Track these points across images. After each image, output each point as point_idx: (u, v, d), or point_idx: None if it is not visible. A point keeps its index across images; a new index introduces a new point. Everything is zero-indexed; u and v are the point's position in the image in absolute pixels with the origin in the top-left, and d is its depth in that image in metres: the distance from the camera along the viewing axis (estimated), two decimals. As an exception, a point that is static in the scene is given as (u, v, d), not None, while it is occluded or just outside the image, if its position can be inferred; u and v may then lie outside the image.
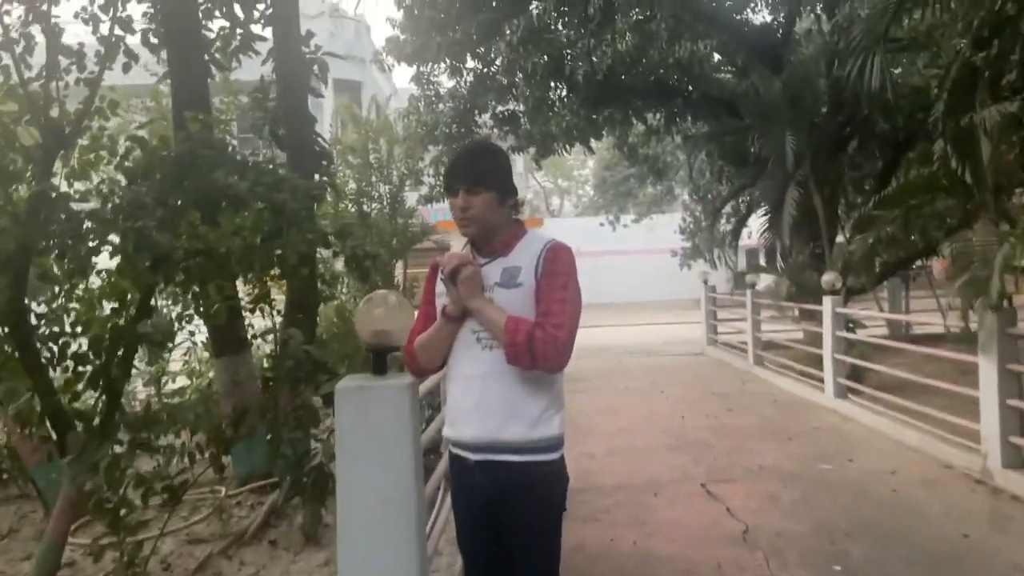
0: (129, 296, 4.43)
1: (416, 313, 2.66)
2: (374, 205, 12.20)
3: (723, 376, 11.66)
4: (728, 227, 14.02)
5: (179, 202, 4.06)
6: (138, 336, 4.35)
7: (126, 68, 4.57)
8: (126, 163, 4.28)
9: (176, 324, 6.14)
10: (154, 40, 6.40)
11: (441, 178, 15.02)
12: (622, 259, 32.59)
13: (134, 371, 10.00)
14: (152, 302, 4.52)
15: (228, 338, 6.19)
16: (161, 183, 4.08)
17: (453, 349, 2.50)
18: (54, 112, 4.35)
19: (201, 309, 5.59)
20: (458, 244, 2.79)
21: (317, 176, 7.04)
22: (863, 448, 6.93)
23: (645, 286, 32.09)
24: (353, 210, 12.35)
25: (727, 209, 16.15)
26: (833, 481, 5.93)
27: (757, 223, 13.72)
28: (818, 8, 11.82)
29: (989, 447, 5.84)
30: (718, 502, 5.48)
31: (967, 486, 5.75)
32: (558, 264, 2.38)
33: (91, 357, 4.29)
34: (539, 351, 2.28)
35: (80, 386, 4.34)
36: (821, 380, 9.17)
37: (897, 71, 9.46)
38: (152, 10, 6.17)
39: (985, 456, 5.88)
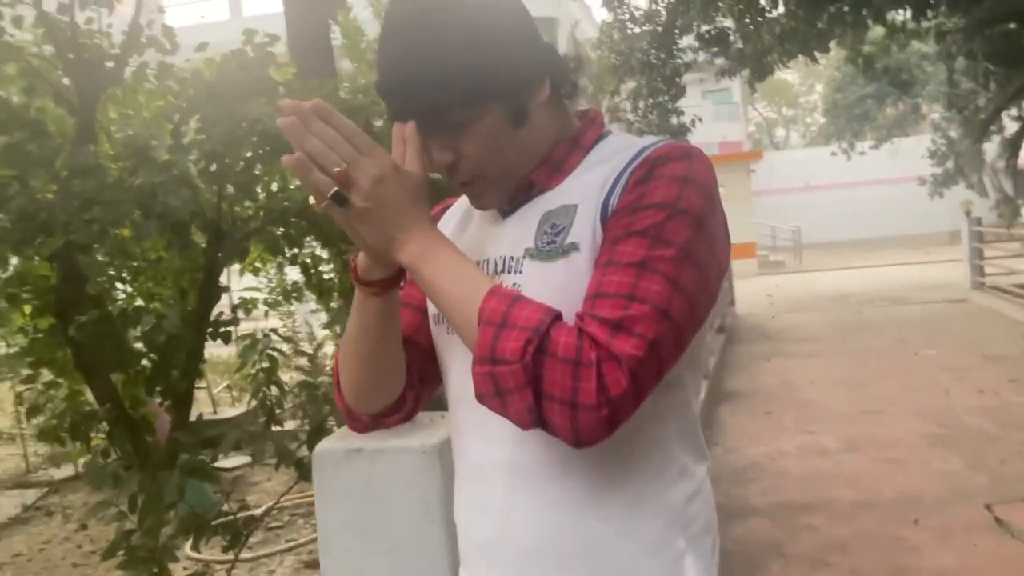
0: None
1: None
2: (560, 147, 10.93)
3: (997, 332, 9.27)
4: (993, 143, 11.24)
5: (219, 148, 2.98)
6: (199, 330, 3.40)
7: (168, -19, 3.55)
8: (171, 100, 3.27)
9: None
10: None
11: (639, 113, 13.44)
12: (858, 191, 28.93)
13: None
14: (219, 282, 3.56)
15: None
16: (198, 125, 3.03)
17: (449, 384, 1.14)
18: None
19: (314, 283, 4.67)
20: None
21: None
22: None
23: (887, 220, 28.28)
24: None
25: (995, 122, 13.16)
26: None
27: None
28: None
29: None
30: (1018, 540, 3.74)
31: None
32: (654, 184, 0.96)
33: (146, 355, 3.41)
34: (554, 385, 0.87)
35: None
36: None
37: None
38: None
39: None
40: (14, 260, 3.63)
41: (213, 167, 3.31)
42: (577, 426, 0.88)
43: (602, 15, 13.25)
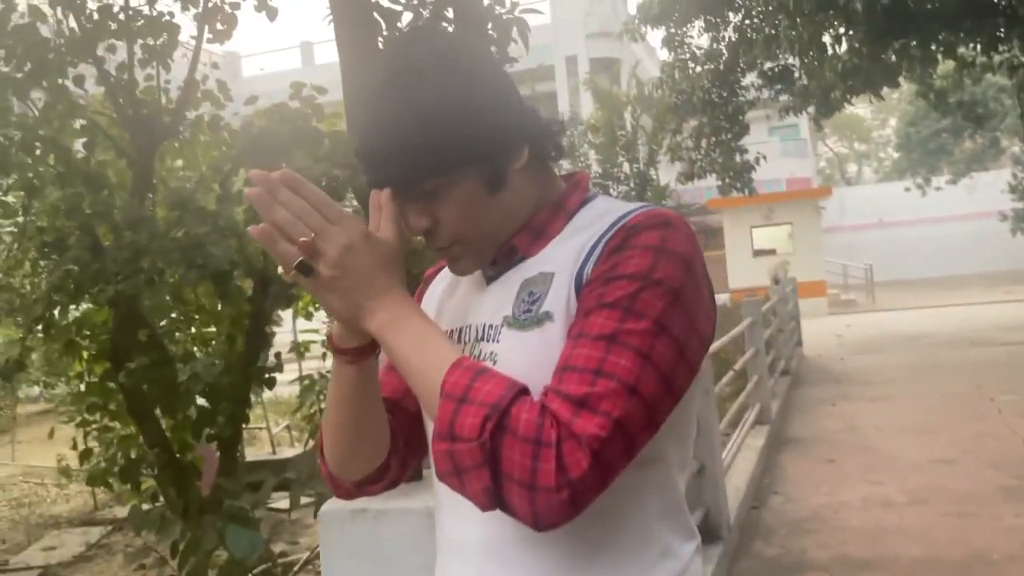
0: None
1: None
2: (620, 187, 10.88)
3: (1083, 375, 8.80)
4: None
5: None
6: (245, 375, 3.46)
7: (221, 36, 3.69)
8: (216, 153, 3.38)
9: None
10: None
11: (701, 152, 13.30)
12: (934, 228, 28.05)
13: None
14: (266, 330, 3.63)
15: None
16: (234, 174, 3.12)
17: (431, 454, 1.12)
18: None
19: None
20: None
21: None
22: None
23: (965, 257, 27.30)
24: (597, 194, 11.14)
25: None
26: None
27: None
28: None
29: None
30: (1097, 606, 3.50)
31: None
32: (628, 253, 0.94)
33: (194, 401, 3.48)
34: (512, 464, 0.85)
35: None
36: None
37: None
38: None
39: None
40: (83, 307, 3.76)
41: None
42: (536, 508, 0.85)
43: (664, 55, 13.23)
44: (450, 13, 6.74)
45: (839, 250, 25.27)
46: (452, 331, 1.10)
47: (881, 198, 29.35)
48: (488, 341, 1.03)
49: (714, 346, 5.12)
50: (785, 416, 7.67)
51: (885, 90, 11.79)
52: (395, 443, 1.15)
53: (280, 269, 0.96)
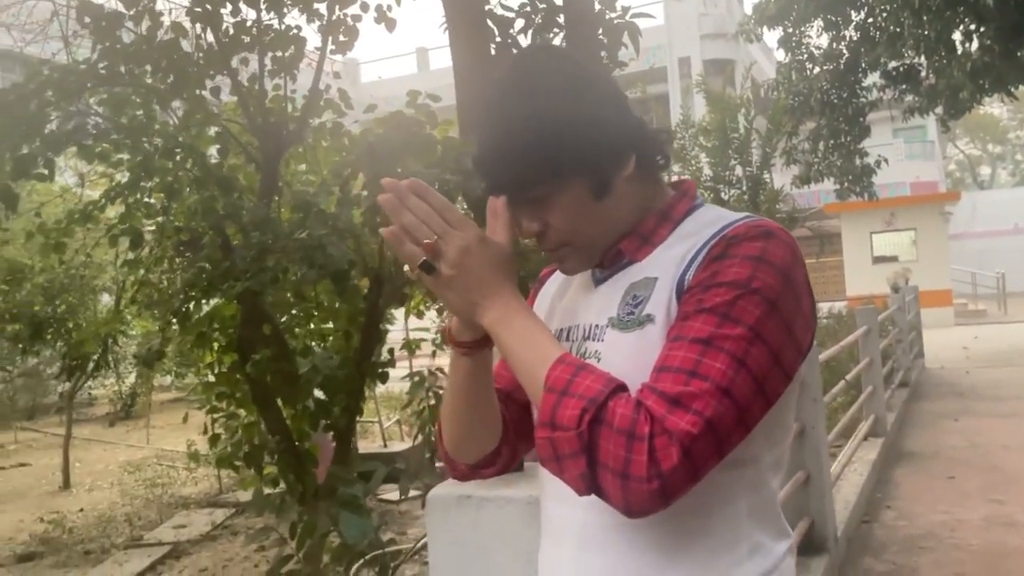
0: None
1: None
2: (732, 191, 10.69)
3: None
4: None
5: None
6: (360, 370, 3.63)
7: (344, 47, 3.89)
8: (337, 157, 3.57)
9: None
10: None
11: (818, 155, 12.85)
12: (1077, 235, 26.30)
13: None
14: (380, 327, 3.80)
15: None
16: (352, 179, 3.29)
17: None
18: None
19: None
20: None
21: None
22: None
23: (1112, 267, 25.44)
24: (709, 197, 10.98)
25: None
26: None
27: None
28: None
29: None
30: None
31: None
32: (729, 262, 0.99)
33: (312, 392, 3.68)
34: (607, 454, 0.90)
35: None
36: None
37: None
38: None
39: None
40: (214, 301, 4.03)
41: (377, 219, 3.56)
42: (628, 496, 0.91)
43: (780, 55, 12.89)
44: (561, 19, 6.83)
45: (968, 258, 24.00)
46: (561, 329, 1.18)
47: (1017, 203, 27.71)
48: (593, 340, 1.10)
49: (825, 355, 5.01)
50: (902, 429, 7.39)
51: (1021, 89, 11.15)
52: (507, 431, 1.24)
53: (406, 267, 1.06)
